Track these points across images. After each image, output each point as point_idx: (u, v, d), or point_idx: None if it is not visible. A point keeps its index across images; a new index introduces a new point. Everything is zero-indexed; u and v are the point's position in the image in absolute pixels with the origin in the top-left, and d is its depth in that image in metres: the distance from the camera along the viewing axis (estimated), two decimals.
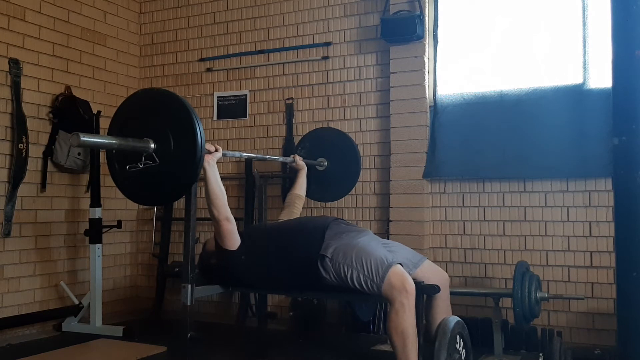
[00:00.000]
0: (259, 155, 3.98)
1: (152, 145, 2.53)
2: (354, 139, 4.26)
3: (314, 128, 4.43)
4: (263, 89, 4.70)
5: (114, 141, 2.52)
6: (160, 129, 2.55)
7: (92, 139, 2.60)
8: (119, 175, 2.69)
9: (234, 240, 2.90)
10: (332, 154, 4.03)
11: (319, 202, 4.31)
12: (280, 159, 4.01)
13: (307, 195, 3.79)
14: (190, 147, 2.50)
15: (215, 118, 4.89)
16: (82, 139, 2.31)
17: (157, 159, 2.52)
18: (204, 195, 2.89)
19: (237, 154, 3.61)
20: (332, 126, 4.40)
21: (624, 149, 1.85)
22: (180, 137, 2.52)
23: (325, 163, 4.01)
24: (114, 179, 2.74)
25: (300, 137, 4.50)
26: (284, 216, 3.54)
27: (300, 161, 3.80)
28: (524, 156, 3.79)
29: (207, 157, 2.75)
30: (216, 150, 2.85)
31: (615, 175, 1.91)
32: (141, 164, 2.53)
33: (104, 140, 2.60)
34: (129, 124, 2.64)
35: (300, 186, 3.74)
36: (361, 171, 4.14)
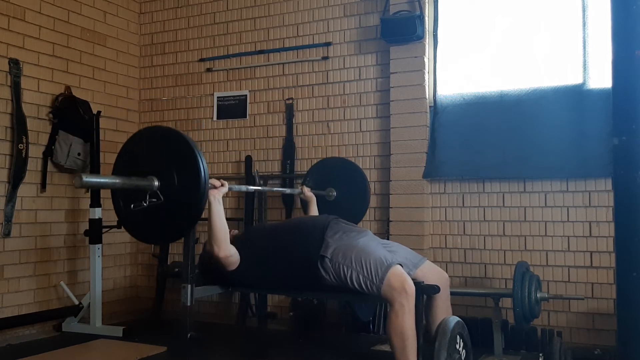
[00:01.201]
0: (265, 188, 3.92)
1: (156, 183, 2.51)
2: (353, 142, 4.27)
3: (314, 131, 4.43)
4: (263, 89, 4.70)
5: (117, 180, 2.49)
6: (163, 166, 2.53)
7: (95, 180, 2.60)
8: (123, 213, 2.65)
9: (234, 266, 2.90)
10: (340, 184, 3.99)
11: None
12: (288, 190, 3.97)
13: None
14: (194, 184, 2.48)
15: (215, 118, 4.89)
16: (84, 180, 2.29)
17: (161, 197, 2.49)
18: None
19: (243, 187, 3.53)
20: (332, 126, 4.40)
21: (624, 149, 1.85)
22: (184, 174, 2.50)
23: (334, 193, 3.99)
24: (118, 217, 2.71)
25: (300, 138, 4.51)
26: None
27: (308, 192, 3.78)
28: (524, 156, 3.79)
29: (212, 192, 2.73)
30: (222, 185, 2.83)
31: (615, 175, 1.91)
32: (145, 202, 2.50)
33: (107, 180, 2.56)
34: (132, 162, 2.62)
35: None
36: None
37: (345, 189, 4.00)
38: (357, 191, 4.02)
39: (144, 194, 2.51)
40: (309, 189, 3.80)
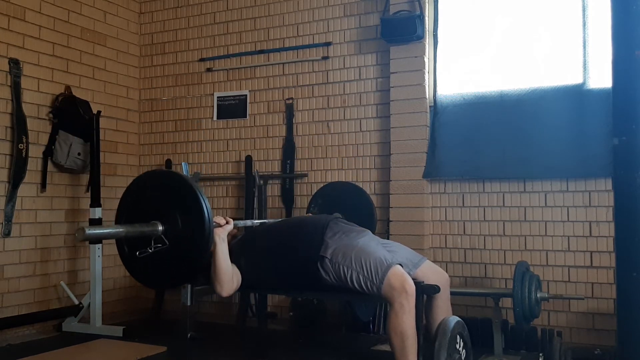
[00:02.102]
0: (270, 220, 3.81)
1: (160, 228, 2.47)
2: (353, 142, 4.26)
3: (314, 131, 4.43)
4: (263, 89, 4.70)
5: (121, 230, 2.45)
6: (166, 210, 2.50)
7: (98, 231, 2.50)
8: (129, 259, 2.61)
9: (234, 290, 2.88)
10: (345, 209, 3.84)
11: None
12: None
13: None
14: (198, 225, 2.45)
15: (215, 118, 4.89)
16: (87, 232, 2.27)
17: (166, 242, 2.46)
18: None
19: (248, 222, 3.44)
20: (332, 126, 4.40)
21: (624, 149, 1.85)
22: (187, 216, 2.47)
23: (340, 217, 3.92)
24: (124, 263, 2.66)
25: (300, 138, 4.51)
26: None
27: None
28: (524, 156, 3.79)
29: (217, 231, 2.68)
30: (227, 223, 2.78)
31: (615, 175, 1.91)
32: (151, 249, 2.46)
33: (111, 231, 2.49)
34: (135, 208, 2.59)
35: None
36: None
37: (351, 213, 3.78)
38: (363, 215, 3.85)
39: (148, 239, 2.47)
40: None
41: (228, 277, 2.76)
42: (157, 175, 2.97)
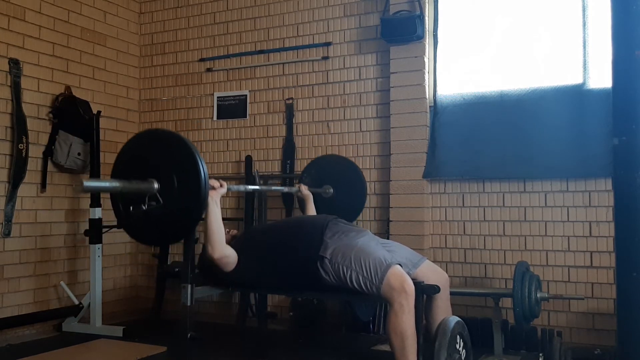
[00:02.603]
0: (263, 187, 3.90)
1: (155, 186, 2.49)
2: (353, 142, 4.28)
3: (314, 131, 4.43)
4: (263, 89, 4.70)
5: (117, 184, 2.47)
6: (163, 169, 2.52)
7: (95, 184, 2.59)
8: (123, 216, 2.64)
9: (231, 267, 2.88)
10: (337, 181, 3.99)
11: None
12: (286, 189, 3.95)
13: None
14: (194, 186, 2.47)
15: (215, 118, 4.89)
16: (85, 185, 2.30)
17: (160, 200, 2.49)
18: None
19: (241, 187, 3.53)
20: (332, 126, 4.40)
21: (624, 149, 1.85)
22: (184, 176, 2.49)
23: (331, 190, 3.98)
24: (118, 220, 2.69)
25: (300, 138, 4.51)
26: None
27: (305, 190, 3.76)
28: (524, 156, 3.79)
29: (210, 193, 2.70)
30: (220, 186, 2.82)
31: (615, 175, 1.91)
32: (145, 205, 2.49)
33: (107, 185, 2.55)
34: (132, 165, 2.61)
35: (311, 214, 3.70)
36: (367, 196, 4.15)
37: (342, 187, 4.00)
38: (354, 188, 4.02)
39: (143, 197, 2.50)
40: (306, 187, 3.79)
41: (220, 238, 2.79)
42: (157, 133, 2.98)
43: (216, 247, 2.79)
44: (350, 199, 4.00)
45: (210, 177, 2.62)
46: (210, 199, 2.69)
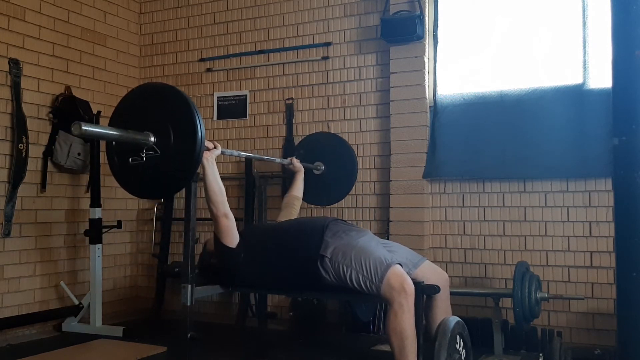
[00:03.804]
0: (256, 155, 3.98)
1: (152, 139, 2.55)
2: (353, 142, 4.29)
3: (314, 131, 4.44)
4: (263, 89, 4.70)
5: (114, 132, 2.53)
6: (160, 122, 2.56)
7: (93, 129, 2.65)
8: (118, 168, 2.71)
9: (232, 237, 2.90)
10: (329, 159, 4.06)
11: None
12: (278, 160, 4.00)
13: (303, 199, 3.80)
14: (190, 141, 2.52)
15: (215, 118, 4.89)
16: (83, 128, 2.34)
17: (158, 150, 2.54)
18: (203, 195, 2.89)
19: (235, 152, 3.61)
20: (332, 126, 4.41)
21: (624, 149, 1.85)
22: (180, 131, 2.53)
23: (322, 167, 4.04)
24: (113, 172, 2.76)
25: (300, 138, 4.51)
26: (283, 217, 3.55)
27: (297, 163, 3.82)
28: (524, 156, 3.79)
29: (206, 154, 2.75)
30: (215, 147, 2.86)
31: (615, 175, 1.91)
32: (143, 156, 2.54)
33: (105, 131, 2.62)
34: (129, 117, 2.65)
35: (298, 188, 3.76)
36: (360, 172, 4.19)
37: (334, 164, 4.06)
38: (345, 166, 4.08)
39: (139, 150, 2.55)
40: (298, 161, 3.84)
41: (221, 198, 2.84)
42: (157, 87, 3.00)
43: (219, 205, 2.83)
44: (341, 176, 4.07)
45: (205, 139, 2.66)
46: (205, 160, 2.74)
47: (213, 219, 2.90)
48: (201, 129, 2.53)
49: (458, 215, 4.02)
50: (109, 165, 2.76)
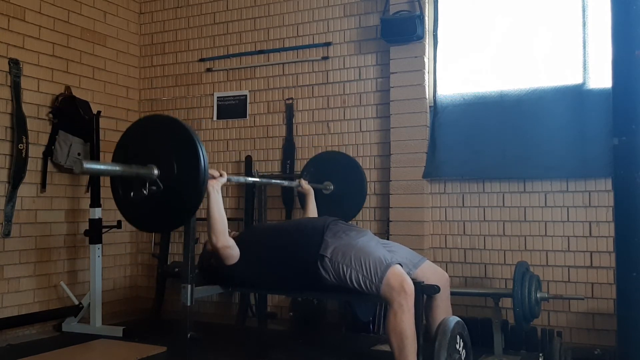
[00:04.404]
0: (263, 180, 3.88)
1: (155, 172, 2.50)
2: (353, 142, 4.28)
3: (314, 131, 4.44)
4: (263, 89, 4.70)
5: (117, 168, 2.47)
6: (163, 154, 2.52)
7: (95, 166, 2.58)
8: (122, 201, 2.65)
9: (233, 259, 2.90)
10: (337, 178, 3.98)
11: None
12: (286, 183, 3.94)
13: None
14: (194, 172, 2.48)
15: (215, 118, 4.89)
16: (85, 166, 2.30)
17: (161, 185, 2.49)
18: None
19: (241, 179, 3.52)
20: (332, 126, 4.41)
21: (624, 149, 1.85)
22: (184, 162, 2.50)
23: (331, 187, 3.98)
24: (117, 206, 2.69)
25: (300, 138, 4.52)
26: None
27: (306, 185, 3.75)
28: (524, 156, 3.79)
29: (211, 182, 2.72)
30: (220, 176, 2.83)
31: (615, 175, 1.91)
32: (145, 190, 2.49)
33: (107, 168, 2.54)
34: (132, 150, 2.61)
35: (312, 211, 3.69)
36: (367, 195, 4.15)
37: (343, 183, 4.00)
38: (355, 185, 4.02)
39: (143, 182, 2.51)
40: (306, 182, 3.78)
41: (222, 227, 2.81)
42: (158, 119, 2.98)
43: (220, 236, 2.81)
44: (350, 194, 4.00)
45: (211, 167, 2.62)
46: (210, 188, 2.72)
47: (213, 249, 2.88)
48: (204, 157, 2.49)
49: (458, 215, 4.02)
50: (114, 198, 2.69)
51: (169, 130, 2.60)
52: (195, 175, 2.48)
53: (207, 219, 2.81)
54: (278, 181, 4.02)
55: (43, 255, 4.27)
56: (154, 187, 2.50)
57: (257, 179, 3.89)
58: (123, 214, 2.72)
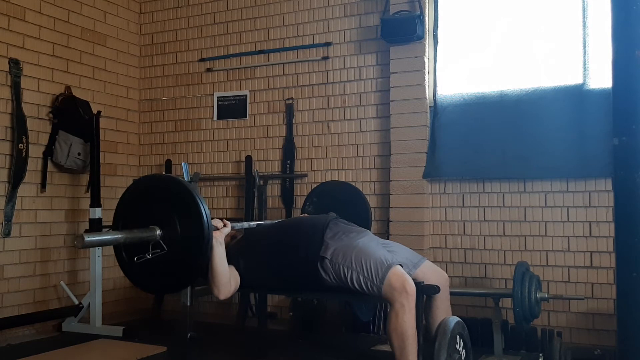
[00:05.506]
0: (267, 222, 3.74)
1: (158, 233, 2.44)
2: (353, 142, 4.27)
3: (314, 131, 4.43)
4: (263, 89, 4.70)
5: (119, 236, 2.39)
6: (165, 215, 2.46)
7: (97, 238, 2.45)
8: (127, 265, 2.57)
9: (232, 294, 2.88)
10: (340, 208, 3.74)
11: None
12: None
13: None
14: (198, 230, 2.42)
15: (215, 118, 4.89)
16: (87, 239, 2.21)
17: (164, 247, 2.43)
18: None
19: (245, 224, 3.40)
20: (332, 127, 4.41)
21: (624, 149, 1.85)
22: (186, 221, 2.44)
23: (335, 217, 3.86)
24: (122, 270, 2.62)
25: (300, 138, 4.52)
26: None
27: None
28: (524, 156, 3.79)
29: (214, 234, 2.63)
30: (224, 226, 2.76)
31: (615, 175, 1.91)
32: (149, 254, 2.42)
33: (109, 237, 2.44)
34: (132, 214, 2.56)
35: None
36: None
37: (346, 215, 3.63)
38: (359, 216, 3.73)
39: (147, 245, 2.44)
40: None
41: (225, 280, 2.74)
42: (155, 179, 2.95)
43: (222, 288, 2.75)
44: (355, 222, 3.83)
45: (213, 218, 2.57)
46: (214, 240, 2.61)
47: (214, 295, 2.82)
48: (206, 213, 2.43)
49: (458, 215, 4.02)
50: (118, 262, 2.61)
51: (168, 189, 2.53)
52: (199, 233, 2.42)
53: (209, 271, 2.70)
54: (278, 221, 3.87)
55: (43, 255, 4.27)
56: (158, 250, 2.43)
57: (262, 222, 3.70)
58: (130, 278, 2.64)
